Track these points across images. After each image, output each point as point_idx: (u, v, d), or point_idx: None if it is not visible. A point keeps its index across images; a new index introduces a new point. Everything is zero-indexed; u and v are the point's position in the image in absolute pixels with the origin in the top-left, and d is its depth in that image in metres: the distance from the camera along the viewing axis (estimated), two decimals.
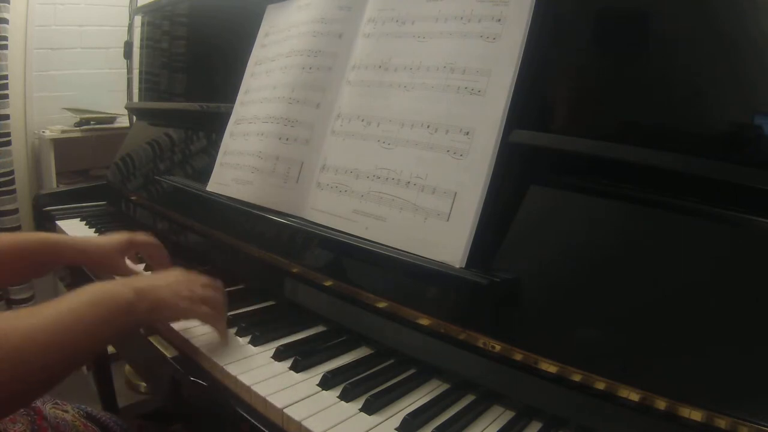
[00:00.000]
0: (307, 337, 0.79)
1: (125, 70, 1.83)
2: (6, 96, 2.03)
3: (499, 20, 0.72)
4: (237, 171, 1.03)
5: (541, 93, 0.72)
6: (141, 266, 1.00)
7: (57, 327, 0.57)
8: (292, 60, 1.00)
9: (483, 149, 0.70)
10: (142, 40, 1.66)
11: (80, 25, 2.31)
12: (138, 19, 1.72)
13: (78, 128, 2.21)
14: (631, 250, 0.60)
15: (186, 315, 0.74)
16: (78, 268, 1.10)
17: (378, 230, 0.76)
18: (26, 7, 2.14)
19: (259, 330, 0.77)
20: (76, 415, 0.83)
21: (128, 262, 0.97)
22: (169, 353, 0.76)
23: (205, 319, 0.75)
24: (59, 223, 1.37)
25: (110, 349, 1.52)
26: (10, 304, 2.16)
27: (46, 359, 0.55)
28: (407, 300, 0.72)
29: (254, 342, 0.76)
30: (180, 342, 0.77)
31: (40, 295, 2.21)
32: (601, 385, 0.56)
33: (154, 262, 0.97)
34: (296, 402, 0.62)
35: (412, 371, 0.70)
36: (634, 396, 0.54)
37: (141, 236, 0.96)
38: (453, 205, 0.70)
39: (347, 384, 0.64)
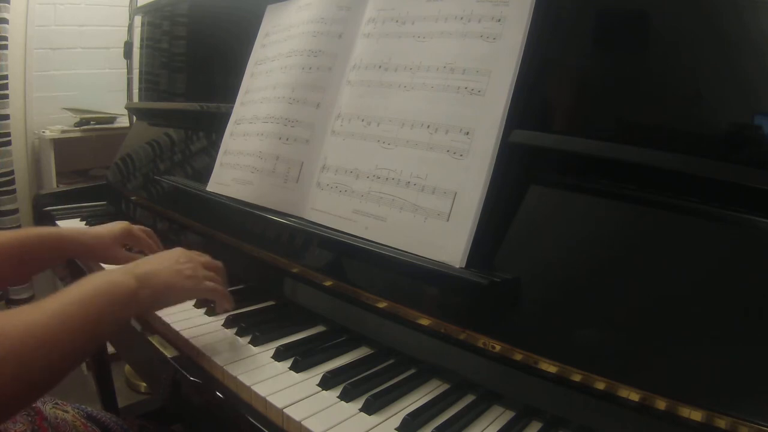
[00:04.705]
0: (307, 337, 0.79)
1: (125, 70, 1.83)
2: (6, 96, 2.03)
3: (499, 20, 0.72)
4: (237, 171, 1.03)
5: (541, 93, 0.72)
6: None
7: (59, 321, 0.55)
8: (292, 60, 1.00)
9: (483, 149, 0.70)
10: (142, 40, 1.66)
11: (80, 25, 2.30)
12: (138, 19, 1.72)
13: (78, 128, 2.21)
14: (631, 250, 0.60)
15: (192, 294, 0.74)
16: (77, 268, 1.10)
17: (378, 230, 0.76)
18: (26, 7, 2.14)
19: (259, 330, 0.77)
20: (76, 415, 0.83)
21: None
22: (169, 353, 0.76)
23: (212, 295, 0.75)
24: (59, 223, 1.37)
25: (110, 349, 1.52)
26: (10, 304, 2.16)
27: (48, 353, 0.53)
28: (407, 300, 0.72)
29: (254, 342, 0.76)
30: (180, 342, 0.77)
31: (40, 295, 2.21)
32: (601, 385, 0.56)
33: (149, 251, 0.98)
34: (296, 402, 0.62)
35: (412, 371, 0.70)
36: (634, 396, 0.54)
37: (137, 226, 0.97)
38: (453, 205, 0.70)
39: (347, 384, 0.64)
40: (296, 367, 0.69)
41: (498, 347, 0.63)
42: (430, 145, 0.74)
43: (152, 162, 1.42)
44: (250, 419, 0.62)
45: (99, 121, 2.26)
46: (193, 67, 1.46)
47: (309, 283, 0.85)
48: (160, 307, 0.76)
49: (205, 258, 0.78)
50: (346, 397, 0.63)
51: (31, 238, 0.85)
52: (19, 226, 2.13)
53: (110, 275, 0.65)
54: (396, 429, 0.59)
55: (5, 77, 2.02)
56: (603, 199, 0.63)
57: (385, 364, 0.72)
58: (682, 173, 0.58)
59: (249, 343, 0.76)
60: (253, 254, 0.95)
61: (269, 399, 0.63)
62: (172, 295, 0.71)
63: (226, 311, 0.75)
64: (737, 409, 0.48)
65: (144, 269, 0.68)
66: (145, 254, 0.97)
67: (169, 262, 0.72)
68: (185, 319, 0.82)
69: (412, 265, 0.70)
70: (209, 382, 0.70)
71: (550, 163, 0.69)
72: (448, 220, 0.70)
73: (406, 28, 0.83)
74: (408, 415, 0.59)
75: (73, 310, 0.57)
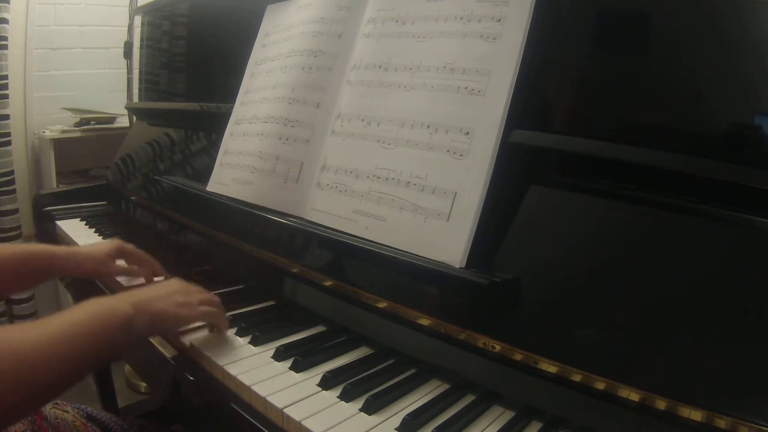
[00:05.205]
0: (307, 337, 0.79)
1: (125, 70, 1.83)
2: (6, 96, 2.03)
3: (499, 20, 0.72)
4: (237, 171, 1.03)
5: (541, 93, 0.72)
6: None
7: (60, 341, 0.58)
8: (292, 60, 1.00)
9: (483, 149, 0.70)
10: (142, 40, 1.66)
11: (80, 25, 2.30)
12: (138, 19, 1.72)
13: (78, 128, 2.21)
14: (631, 250, 0.60)
15: (186, 321, 0.76)
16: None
17: (378, 230, 0.76)
18: (26, 7, 2.14)
19: (259, 330, 0.77)
20: (77, 416, 0.83)
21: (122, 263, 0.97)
22: (169, 353, 0.76)
23: (205, 318, 0.76)
24: (59, 223, 1.37)
25: None
26: (10, 304, 2.16)
27: (47, 370, 0.56)
28: (407, 300, 0.72)
29: (254, 342, 0.76)
30: (180, 342, 0.77)
31: (40, 295, 2.21)
32: (601, 385, 0.56)
33: (143, 268, 0.98)
34: (296, 402, 0.62)
35: (412, 371, 0.70)
36: (634, 396, 0.54)
37: (129, 244, 0.97)
38: (453, 205, 0.70)
39: (347, 384, 0.64)
40: (296, 367, 0.69)
41: (498, 347, 0.63)
42: (430, 145, 0.74)
43: (152, 162, 1.42)
44: (250, 419, 0.62)
45: (99, 121, 2.26)
46: (193, 67, 1.46)
47: (309, 283, 0.85)
48: (156, 334, 0.78)
49: (200, 288, 0.79)
50: (346, 397, 0.63)
51: (26, 254, 0.87)
52: (19, 226, 2.13)
53: (109, 301, 0.67)
54: (396, 429, 0.59)
55: (5, 77, 2.02)
56: (603, 199, 0.63)
57: (385, 364, 0.72)
58: (682, 173, 0.58)
59: (249, 343, 0.76)
60: (253, 254, 0.95)
61: (269, 399, 0.63)
62: (168, 321, 0.73)
63: (224, 328, 0.77)
64: (737, 409, 0.48)
65: (140, 297, 0.70)
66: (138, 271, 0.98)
67: (165, 290, 0.74)
68: None
69: (412, 265, 0.70)
70: (209, 382, 0.70)
71: (550, 163, 0.69)
72: (448, 220, 0.70)
73: (406, 28, 0.83)
74: (408, 415, 0.59)
75: (71, 332, 0.60)
